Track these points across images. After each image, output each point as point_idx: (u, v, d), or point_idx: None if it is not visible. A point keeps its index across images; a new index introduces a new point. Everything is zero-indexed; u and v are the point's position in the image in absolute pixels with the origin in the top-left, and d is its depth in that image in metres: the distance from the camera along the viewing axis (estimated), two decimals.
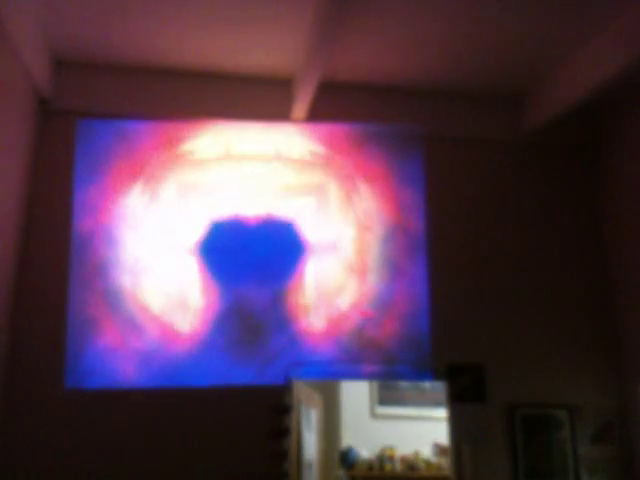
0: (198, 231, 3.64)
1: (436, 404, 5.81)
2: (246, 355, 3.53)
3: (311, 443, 4.06)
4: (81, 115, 3.62)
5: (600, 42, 3.37)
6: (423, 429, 5.96)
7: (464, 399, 3.63)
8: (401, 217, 3.85)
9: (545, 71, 3.76)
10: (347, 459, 5.74)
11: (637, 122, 3.83)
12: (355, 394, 6.07)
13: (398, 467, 5.78)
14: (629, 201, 3.85)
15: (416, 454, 5.87)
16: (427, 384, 6.10)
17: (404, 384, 6.15)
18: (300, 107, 3.63)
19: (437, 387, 5.69)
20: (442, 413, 3.88)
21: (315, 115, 3.74)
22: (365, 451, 5.88)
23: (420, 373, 3.73)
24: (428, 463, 5.80)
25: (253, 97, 3.78)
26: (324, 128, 3.87)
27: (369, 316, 3.69)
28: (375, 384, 6.14)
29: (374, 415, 6.14)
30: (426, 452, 5.91)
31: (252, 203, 3.73)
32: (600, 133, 4.14)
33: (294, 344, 3.58)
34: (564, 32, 3.37)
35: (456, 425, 3.60)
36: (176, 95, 3.71)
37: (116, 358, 3.40)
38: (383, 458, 5.83)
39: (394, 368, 3.65)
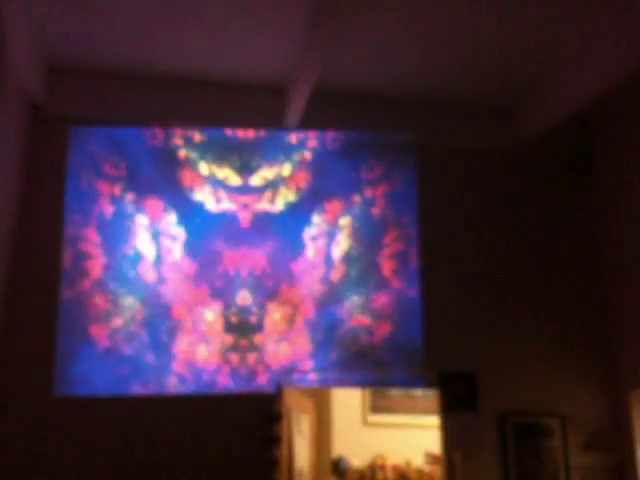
0: (188, 234, 3.63)
1: (428, 412, 5.79)
2: (237, 362, 3.52)
3: (302, 451, 4.04)
4: (73, 121, 3.62)
5: (593, 54, 3.39)
6: (415, 437, 5.94)
7: (456, 407, 3.63)
8: (394, 224, 3.86)
9: (538, 82, 3.78)
10: (338, 467, 5.71)
11: (629, 132, 3.86)
12: (347, 402, 6.03)
13: (390, 476, 5.76)
14: (622, 209, 3.88)
15: (408, 462, 5.84)
16: (419, 392, 6.08)
17: (396, 392, 6.12)
18: (293, 115, 3.64)
19: (429, 395, 5.68)
20: (434, 421, 3.88)
21: (308, 123, 3.74)
22: (357, 459, 5.85)
23: (412, 381, 3.73)
24: (420, 471, 5.78)
25: (246, 104, 3.79)
26: (317, 136, 3.88)
27: (361, 323, 3.68)
28: (367, 392, 6.12)
29: (366, 423, 6.11)
30: (418, 460, 5.89)
31: (245, 208, 3.73)
32: (592, 143, 4.17)
33: (285, 351, 3.58)
34: (557, 44, 3.39)
35: (448, 433, 3.60)
36: (169, 102, 3.72)
37: (106, 365, 3.38)
38: (375, 467, 5.79)
39: (386, 375, 3.65)
